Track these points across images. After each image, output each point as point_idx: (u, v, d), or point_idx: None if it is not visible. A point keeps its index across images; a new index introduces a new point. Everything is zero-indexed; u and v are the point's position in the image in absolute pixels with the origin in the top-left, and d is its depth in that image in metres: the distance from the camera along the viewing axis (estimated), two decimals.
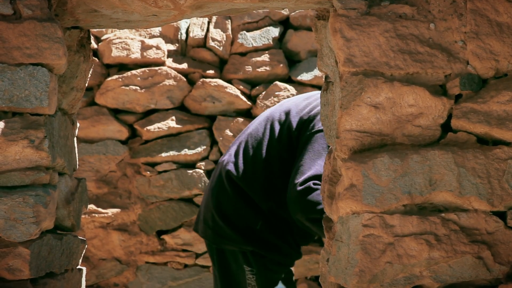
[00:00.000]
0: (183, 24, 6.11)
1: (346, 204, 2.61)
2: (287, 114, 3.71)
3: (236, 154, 3.75)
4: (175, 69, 6.01)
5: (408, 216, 2.59)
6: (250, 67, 6.01)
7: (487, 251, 2.58)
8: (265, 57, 6.02)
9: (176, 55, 6.08)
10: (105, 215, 6.00)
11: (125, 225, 6.03)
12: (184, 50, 6.10)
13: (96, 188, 6.00)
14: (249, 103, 5.99)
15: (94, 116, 5.99)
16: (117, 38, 6.01)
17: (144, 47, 5.99)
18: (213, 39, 6.02)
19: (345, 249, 2.62)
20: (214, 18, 6.05)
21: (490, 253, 2.58)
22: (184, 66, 6.02)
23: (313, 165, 3.47)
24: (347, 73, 2.63)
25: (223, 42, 6.04)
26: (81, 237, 3.19)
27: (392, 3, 2.64)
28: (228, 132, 5.95)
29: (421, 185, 2.60)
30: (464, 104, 2.62)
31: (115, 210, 6.01)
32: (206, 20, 6.06)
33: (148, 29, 6.06)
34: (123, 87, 5.95)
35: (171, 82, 5.97)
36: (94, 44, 5.99)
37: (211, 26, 6.06)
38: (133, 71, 5.97)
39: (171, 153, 5.95)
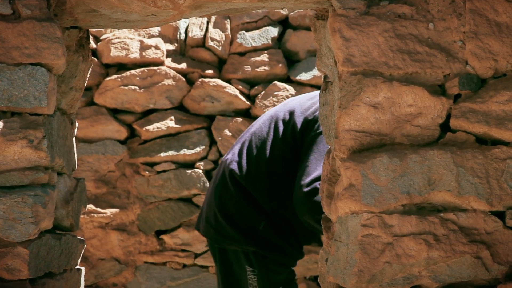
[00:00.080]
0: (182, 24, 6.11)
1: (345, 204, 2.61)
2: (292, 114, 3.69)
3: (240, 153, 3.73)
4: (174, 69, 6.01)
5: (407, 216, 2.59)
6: (249, 67, 6.01)
7: (486, 251, 2.58)
8: (264, 57, 6.02)
9: (175, 55, 6.08)
10: (104, 215, 6.00)
11: (124, 225, 6.03)
12: (183, 50, 6.10)
13: (95, 188, 6.00)
14: (248, 103, 5.99)
15: (93, 116, 5.99)
16: (116, 38, 6.01)
17: (143, 47, 5.99)
18: (212, 39, 6.03)
19: (344, 249, 2.62)
20: (213, 18, 6.05)
21: (489, 253, 2.58)
22: (183, 66, 6.03)
23: (319, 166, 3.47)
24: (346, 73, 2.63)
25: (222, 42, 6.04)
26: (80, 237, 3.19)
27: (391, 3, 2.64)
28: (227, 132, 5.95)
29: (420, 185, 2.60)
30: (463, 104, 2.62)
31: (114, 210, 6.01)
32: (205, 20, 6.06)
33: (147, 29, 6.06)
34: (122, 87, 5.95)
35: (170, 82, 5.97)
36: (93, 44, 5.99)
37: (210, 26, 6.06)
38: (132, 71, 5.97)
39: (170, 153, 5.95)
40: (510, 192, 2.58)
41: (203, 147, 5.97)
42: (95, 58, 6.00)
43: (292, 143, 3.65)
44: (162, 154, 5.95)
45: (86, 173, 5.97)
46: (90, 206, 5.96)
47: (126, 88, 5.95)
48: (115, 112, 6.05)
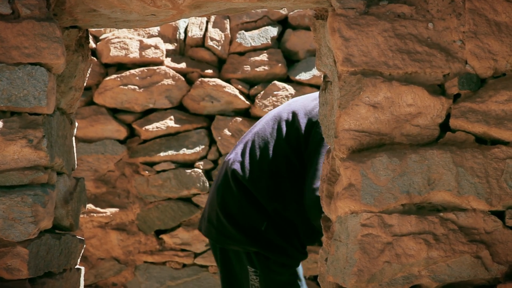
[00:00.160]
0: (181, 23, 6.11)
1: (345, 203, 2.61)
2: (295, 114, 3.67)
3: (243, 154, 3.72)
4: (173, 68, 6.01)
5: (407, 215, 2.59)
6: (248, 66, 6.01)
7: (485, 250, 2.58)
8: (263, 56, 6.02)
9: (174, 55, 6.08)
10: (104, 214, 6.00)
11: (123, 225, 6.03)
12: (182, 50, 6.10)
13: (94, 187, 6.00)
14: (247, 102, 5.99)
15: (93, 115, 5.99)
16: (116, 37, 6.01)
17: (143, 47, 5.99)
18: (212, 39, 6.03)
19: (343, 249, 2.62)
20: (212, 18, 6.05)
21: (489, 252, 2.58)
22: (183, 65, 6.03)
23: None
24: (345, 72, 2.63)
25: (222, 42, 6.04)
26: (79, 237, 3.19)
27: (390, 3, 2.64)
28: (226, 131, 5.95)
29: (420, 185, 2.60)
30: (463, 104, 2.62)
31: (113, 210, 6.01)
32: (204, 19, 6.06)
33: (146, 29, 6.06)
34: (122, 86, 5.95)
35: (169, 81, 5.97)
36: (92, 44, 5.99)
37: (210, 26, 6.06)
38: (132, 71, 5.97)
39: (170, 152, 5.95)
40: (510, 192, 2.58)
41: (203, 146, 5.97)
42: (94, 58, 6.00)
43: (296, 145, 3.64)
44: (162, 154, 5.95)
45: (85, 172, 5.97)
46: (90, 206, 5.96)
47: (126, 87, 5.95)
48: (114, 112, 6.05)
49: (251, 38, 6.04)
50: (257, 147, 3.69)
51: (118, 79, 5.95)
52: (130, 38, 6.00)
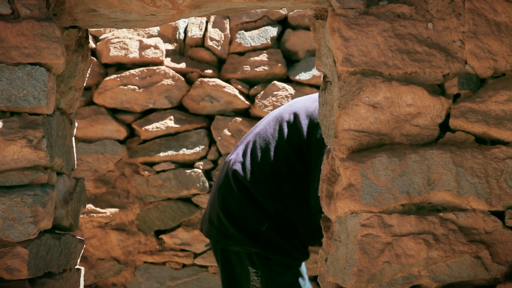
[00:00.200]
0: (181, 23, 6.11)
1: (345, 203, 2.61)
2: (296, 116, 3.66)
3: (244, 154, 3.71)
4: (173, 68, 6.01)
5: (407, 215, 2.59)
6: (248, 66, 6.01)
7: (485, 250, 2.58)
8: (263, 56, 6.02)
9: (174, 55, 6.08)
10: (103, 214, 6.00)
11: (123, 225, 6.03)
12: (182, 50, 6.10)
13: (94, 187, 6.00)
14: (247, 102, 5.99)
15: (92, 115, 5.99)
16: (115, 37, 6.01)
17: (142, 47, 5.99)
18: (211, 39, 6.03)
19: (343, 249, 2.62)
20: (212, 18, 6.05)
21: (488, 252, 2.58)
22: (183, 65, 6.03)
23: None
24: (345, 72, 2.63)
25: (221, 42, 6.04)
26: (79, 237, 3.19)
27: (390, 3, 2.64)
28: (226, 131, 5.95)
29: (420, 185, 2.60)
30: (462, 104, 2.62)
31: (113, 210, 6.01)
32: (204, 19, 6.06)
33: (146, 29, 6.06)
34: (121, 86, 5.95)
35: (169, 81, 5.97)
36: (92, 44, 5.99)
37: (209, 26, 6.06)
38: (131, 71, 5.97)
39: (170, 152, 5.95)
40: (510, 192, 2.58)
41: (203, 146, 5.97)
42: (94, 58, 6.00)
43: (297, 146, 3.63)
44: (162, 154, 5.95)
45: (85, 172, 5.97)
46: (90, 206, 5.96)
47: (126, 87, 5.95)
48: (114, 112, 6.05)
49: (250, 38, 6.04)
50: (258, 148, 3.69)
51: (118, 79, 5.95)
52: (130, 38, 6.00)
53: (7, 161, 2.71)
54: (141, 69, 5.97)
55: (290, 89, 5.97)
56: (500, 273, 2.59)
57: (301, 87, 6.01)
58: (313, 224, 3.57)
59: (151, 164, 6.00)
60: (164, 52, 6.03)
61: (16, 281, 2.73)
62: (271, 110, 5.90)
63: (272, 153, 3.65)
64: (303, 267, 3.82)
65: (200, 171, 5.93)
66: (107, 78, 5.98)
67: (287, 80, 6.07)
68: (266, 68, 6.00)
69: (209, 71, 6.01)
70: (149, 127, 5.96)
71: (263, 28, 6.07)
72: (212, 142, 6.03)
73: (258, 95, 5.97)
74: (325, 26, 2.75)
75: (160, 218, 5.99)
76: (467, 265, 2.58)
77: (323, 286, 2.81)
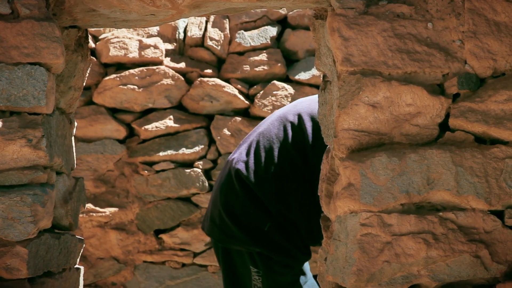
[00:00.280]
0: (181, 23, 6.11)
1: (344, 203, 2.61)
2: (301, 117, 3.65)
3: (247, 154, 3.70)
4: (173, 68, 6.01)
5: (406, 215, 2.59)
6: (248, 66, 6.01)
7: (484, 250, 2.58)
8: (263, 56, 6.02)
9: (174, 55, 6.08)
10: (103, 214, 6.00)
11: (123, 224, 6.03)
12: (182, 50, 6.10)
13: (94, 187, 6.00)
14: (247, 102, 5.99)
15: (92, 115, 5.99)
16: (115, 37, 6.01)
17: (142, 47, 5.99)
18: (211, 39, 6.03)
19: (343, 248, 2.62)
20: (212, 18, 6.05)
21: (488, 252, 2.58)
22: (182, 65, 6.03)
23: None
24: (345, 72, 2.63)
25: (221, 42, 6.04)
26: (79, 236, 3.19)
27: (390, 3, 2.64)
28: (226, 131, 5.95)
29: (419, 184, 2.60)
30: (462, 103, 2.62)
31: (113, 209, 6.01)
32: (204, 19, 6.06)
33: (146, 29, 6.06)
34: (121, 86, 5.95)
35: (169, 81, 5.97)
36: (92, 44, 5.99)
37: (209, 26, 6.06)
38: (131, 70, 5.98)
39: (169, 152, 5.96)
40: (509, 191, 2.58)
41: (202, 146, 5.97)
42: (94, 58, 6.00)
43: (301, 147, 3.62)
44: (161, 154, 5.95)
45: (85, 172, 5.97)
46: (89, 205, 5.96)
47: (125, 87, 5.95)
48: (114, 112, 6.05)
49: (250, 38, 6.04)
50: (261, 148, 3.68)
51: (118, 78, 5.95)
52: (130, 38, 6.00)
53: (7, 161, 2.71)
54: (140, 68, 5.97)
55: (289, 89, 5.97)
56: (499, 272, 2.59)
57: (300, 87, 6.01)
58: (315, 224, 3.57)
59: (151, 164, 6.00)
60: (164, 52, 6.03)
61: (16, 280, 2.73)
62: (271, 110, 5.90)
63: (276, 153, 3.65)
64: (306, 265, 3.82)
65: (199, 170, 5.93)
66: (107, 77, 5.98)
67: (286, 79, 6.07)
68: (265, 67, 6.01)
69: (208, 71, 6.02)
70: (149, 126, 5.96)
71: (262, 28, 6.07)
72: (211, 141, 6.03)
73: (258, 94, 5.97)
74: (325, 26, 2.75)
75: (160, 218, 5.99)
76: (467, 264, 2.58)
77: (322, 286, 2.81)
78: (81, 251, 3.21)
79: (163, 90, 5.96)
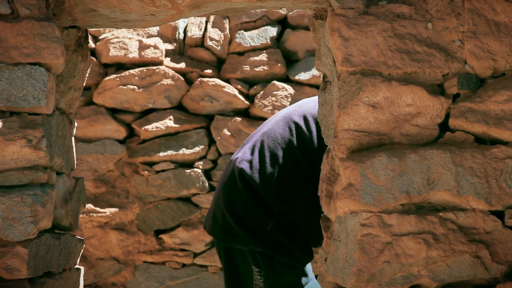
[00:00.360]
0: (181, 23, 6.11)
1: (344, 203, 2.61)
2: (306, 118, 3.65)
3: (252, 153, 3.69)
4: (173, 68, 6.01)
5: (406, 215, 2.59)
6: (248, 66, 6.01)
7: (485, 250, 2.58)
8: (263, 56, 6.02)
9: (174, 55, 6.08)
10: (103, 214, 6.00)
11: (123, 225, 6.03)
12: (182, 50, 6.10)
13: (94, 187, 6.00)
14: (247, 102, 5.99)
15: (92, 115, 5.99)
16: (115, 37, 6.01)
17: (142, 47, 5.99)
18: (211, 39, 6.03)
19: (343, 249, 2.62)
20: (212, 18, 6.05)
21: (488, 252, 2.58)
22: (182, 65, 6.03)
23: None
24: (345, 72, 2.63)
25: (221, 42, 6.04)
26: (79, 237, 3.19)
27: (389, 3, 2.64)
28: (226, 131, 5.95)
29: (419, 185, 2.60)
30: (462, 104, 2.62)
31: (113, 210, 6.01)
32: (204, 19, 6.06)
33: (145, 29, 6.06)
34: (121, 86, 5.95)
35: (169, 81, 5.97)
36: (92, 44, 5.99)
37: (209, 26, 6.06)
38: (131, 71, 5.98)
39: (169, 152, 5.96)
40: (509, 192, 2.58)
41: (202, 146, 5.97)
42: (94, 58, 6.00)
43: (306, 150, 3.61)
44: (161, 154, 5.95)
45: (85, 172, 5.97)
46: (89, 206, 5.96)
47: (125, 87, 5.95)
48: (114, 112, 6.05)
49: (250, 38, 6.04)
50: (266, 147, 3.67)
51: (118, 79, 5.95)
52: (130, 38, 6.00)
53: (7, 161, 2.71)
54: (140, 69, 5.97)
55: (289, 89, 5.97)
56: (499, 272, 2.59)
57: (300, 87, 6.01)
58: (318, 225, 3.56)
59: (151, 164, 6.00)
60: (164, 52, 6.03)
61: (16, 280, 2.73)
62: (271, 110, 5.90)
63: (280, 153, 3.64)
64: (308, 266, 3.81)
65: (199, 171, 5.93)
66: (107, 78, 5.98)
67: (286, 80, 6.07)
68: (265, 68, 6.01)
69: (208, 71, 6.02)
70: (149, 127, 5.96)
71: (262, 28, 6.07)
72: (211, 142, 6.03)
73: (258, 95, 5.97)
74: (325, 26, 2.75)
75: (160, 218, 5.99)
76: (467, 264, 2.58)
77: (322, 286, 2.81)
78: (81, 252, 3.21)
79: (163, 90, 5.96)
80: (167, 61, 6.03)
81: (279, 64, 6.01)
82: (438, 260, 2.58)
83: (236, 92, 5.96)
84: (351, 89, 2.62)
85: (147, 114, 6.03)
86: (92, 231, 6.00)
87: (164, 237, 6.00)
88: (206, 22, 6.07)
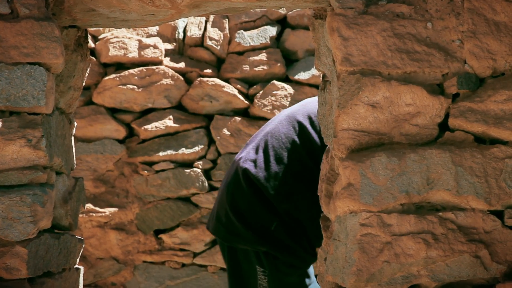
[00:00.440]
0: (180, 23, 6.11)
1: (344, 203, 2.61)
2: (311, 119, 3.65)
3: (256, 153, 3.69)
4: (172, 68, 6.01)
5: (406, 215, 2.59)
6: (247, 66, 6.01)
7: (484, 250, 2.58)
8: (262, 56, 6.02)
9: (173, 54, 6.08)
10: (103, 214, 6.00)
11: (122, 225, 6.03)
12: (181, 49, 6.10)
13: (93, 187, 6.00)
14: (246, 102, 5.99)
15: (92, 115, 5.99)
16: (115, 37, 6.01)
17: (142, 46, 5.99)
18: (211, 38, 6.02)
19: (342, 248, 2.62)
20: (211, 17, 6.05)
21: (488, 252, 2.58)
22: (182, 65, 6.02)
23: None
24: (344, 72, 2.63)
25: (221, 41, 6.04)
26: (78, 237, 3.19)
27: (389, 2, 2.64)
28: (225, 131, 5.95)
29: (419, 184, 2.60)
30: (462, 103, 2.62)
31: (112, 210, 6.01)
32: (203, 19, 6.06)
33: (145, 28, 6.06)
34: (121, 86, 5.95)
35: (168, 81, 5.97)
36: (91, 43, 5.99)
37: (209, 25, 6.06)
38: (131, 70, 5.97)
39: (169, 152, 5.95)
40: (509, 191, 2.59)
41: (202, 146, 5.97)
42: (93, 58, 6.00)
43: (311, 149, 3.61)
44: (161, 154, 5.95)
45: (84, 172, 5.97)
46: (89, 206, 5.96)
47: (125, 87, 5.95)
48: (113, 112, 6.05)
49: (250, 37, 6.04)
50: (270, 147, 3.67)
51: (117, 78, 5.95)
52: (129, 38, 6.00)
53: (6, 161, 2.71)
54: (140, 68, 5.97)
55: (289, 89, 5.97)
56: (499, 272, 2.59)
57: (300, 87, 6.01)
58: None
59: (150, 164, 6.00)
60: (163, 52, 6.03)
61: (15, 280, 2.73)
62: (270, 110, 5.90)
63: (285, 152, 3.64)
64: (310, 268, 3.81)
65: (199, 170, 5.93)
66: (106, 77, 5.98)
67: (286, 79, 6.07)
68: (265, 67, 6.00)
69: (208, 71, 6.01)
70: (148, 126, 5.96)
71: (262, 27, 6.07)
72: (211, 141, 6.03)
73: (257, 94, 5.97)
74: (324, 26, 2.75)
75: (159, 218, 5.99)
76: (466, 264, 2.58)
77: (322, 286, 2.81)
78: (81, 251, 3.21)
79: (163, 90, 5.96)
80: (166, 60, 6.03)
81: (279, 64, 6.01)
82: (438, 260, 2.58)
83: (235, 92, 5.96)
84: (350, 89, 2.62)
85: (146, 113, 6.03)
86: (92, 231, 6.00)
87: (163, 237, 6.00)
88: (206, 21, 6.07)
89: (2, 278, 2.72)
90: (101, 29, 6.10)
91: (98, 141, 6.00)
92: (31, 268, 2.74)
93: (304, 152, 3.62)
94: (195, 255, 6.03)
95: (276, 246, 3.62)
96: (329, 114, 2.77)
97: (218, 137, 5.95)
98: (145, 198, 5.99)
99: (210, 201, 5.94)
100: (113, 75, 5.96)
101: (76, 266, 3.20)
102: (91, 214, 5.97)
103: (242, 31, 6.06)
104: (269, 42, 6.04)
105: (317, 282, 3.37)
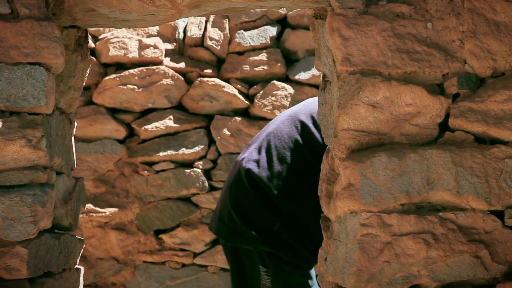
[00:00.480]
0: (180, 23, 6.11)
1: (344, 203, 2.61)
2: (313, 118, 3.65)
3: (258, 153, 3.69)
4: (172, 68, 6.01)
5: (406, 215, 2.59)
6: (247, 66, 6.01)
7: (484, 250, 2.58)
8: (262, 56, 6.02)
9: (173, 54, 6.08)
10: (103, 214, 6.00)
11: (122, 225, 6.03)
12: (181, 49, 6.10)
13: (93, 187, 6.00)
14: (246, 102, 5.99)
15: (92, 115, 5.99)
16: (115, 37, 6.01)
17: (142, 46, 5.99)
18: (211, 38, 6.03)
19: (343, 249, 2.62)
20: (211, 17, 6.05)
21: (488, 252, 2.58)
22: (182, 65, 6.02)
23: None
24: (344, 72, 2.63)
25: (221, 41, 6.04)
26: (79, 237, 3.19)
27: (389, 2, 2.64)
28: (225, 131, 5.95)
29: (419, 184, 2.60)
30: (462, 103, 2.62)
31: (112, 210, 6.01)
32: (203, 19, 6.06)
33: (145, 28, 6.06)
34: (121, 86, 5.95)
35: (168, 81, 5.97)
36: (91, 44, 5.99)
37: (209, 25, 6.06)
38: (131, 70, 5.97)
39: (169, 152, 5.95)
40: (509, 191, 2.58)
41: (202, 146, 5.97)
42: (93, 58, 6.00)
43: (314, 149, 3.61)
44: (161, 154, 5.95)
45: (85, 172, 5.97)
46: (89, 206, 5.96)
47: (125, 87, 5.95)
48: (113, 112, 6.05)
49: (250, 37, 6.04)
50: (273, 147, 3.67)
51: (117, 78, 5.95)
52: (129, 38, 6.00)
53: (7, 161, 2.71)
54: (140, 68, 5.97)
55: (289, 89, 5.97)
56: (499, 272, 2.59)
57: (300, 87, 6.01)
58: None
59: (151, 164, 6.00)
60: (164, 52, 6.03)
61: (16, 280, 2.73)
62: (271, 110, 5.90)
63: (288, 152, 3.64)
64: (312, 270, 3.81)
65: (199, 170, 5.93)
66: (107, 77, 5.98)
67: (286, 79, 6.07)
68: (265, 67, 6.00)
69: (208, 71, 6.01)
70: (149, 126, 5.96)
71: (262, 27, 6.07)
72: (211, 141, 6.03)
73: (258, 94, 5.97)
74: (325, 26, 2.75)
75: (160, 218, 5.99)
76: (467, 264, 2.58)
77: (322, 286, 2.81)
78: (81, 251, 3.21)
79: (163, 90, 5.96)
80: (166, 60, 6.03)
81: (279, 64, 6.01)
82: (438, 260, 2.58)
83: (236, 92, 5.96)
84: (350, 89, 2.62)
85: (146, 114, 6.03)
86: (92, 231, 6.00)
87: (164, 237, 6.00)
88: (206, 21, 6.07)
89: (3, 278, 2.72)
90: (101, 29, 6.10)
91: (98, 141, 6.00)
92: (31, 268, 2.74)
93: (307, 151, 3.62)
94: (195, 255, 6.03)
95: (279, 246, 3.62)
96: (329, 114, 2.77)
97: (218, 137, 5.95)
98: (145, 198, 5.99)
99: (211, 201, 5.94)
100: (113, 75, 5.96)
101: (77, 266, 3.20)
102: (91, 214, 5.97)
103: (242, 31, 6.06)
104: (269, 42, 6.04)
105: (317, 282, 3.38)
